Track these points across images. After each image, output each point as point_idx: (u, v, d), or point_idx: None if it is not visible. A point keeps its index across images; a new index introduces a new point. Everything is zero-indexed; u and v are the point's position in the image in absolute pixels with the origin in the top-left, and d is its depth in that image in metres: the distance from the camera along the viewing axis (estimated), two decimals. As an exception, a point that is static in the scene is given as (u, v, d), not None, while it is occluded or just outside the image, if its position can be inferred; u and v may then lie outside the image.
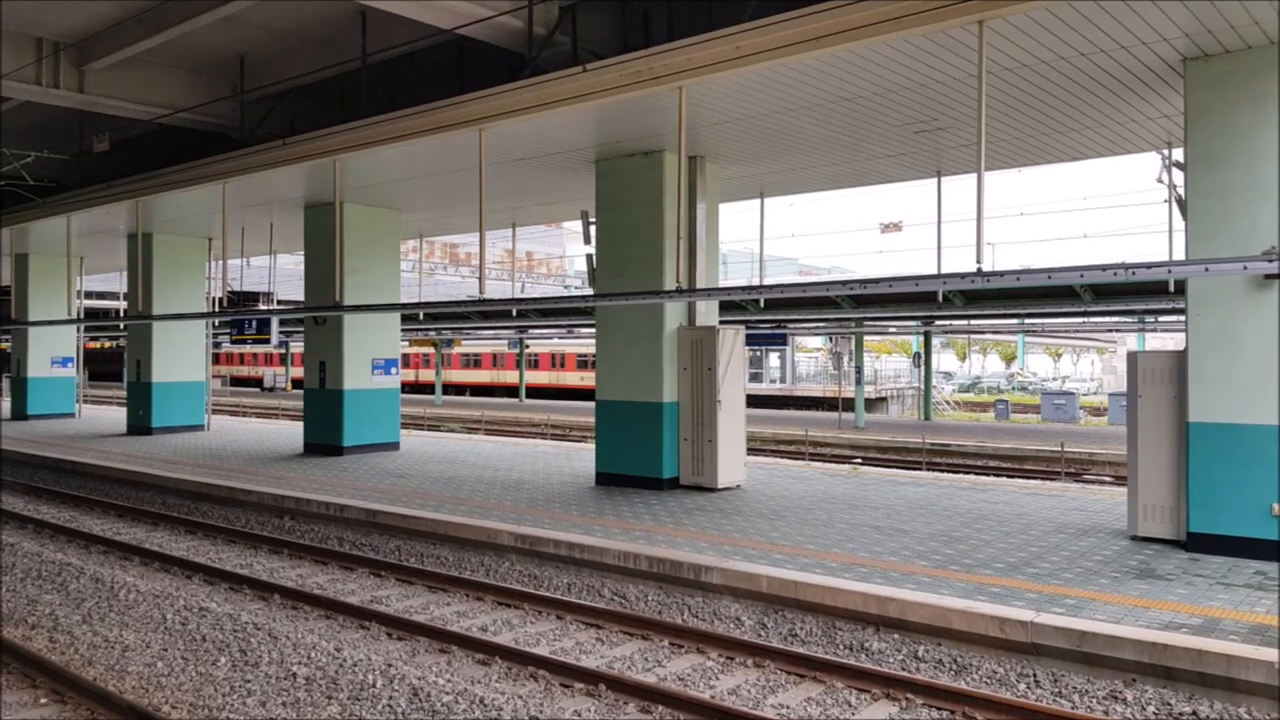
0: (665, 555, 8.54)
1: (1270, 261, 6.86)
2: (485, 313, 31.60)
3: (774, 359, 53.27)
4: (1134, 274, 7.34)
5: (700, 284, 12.65)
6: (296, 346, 47.28)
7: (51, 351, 25.51)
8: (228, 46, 12.94)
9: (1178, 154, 10.88)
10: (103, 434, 21.41)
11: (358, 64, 12.21)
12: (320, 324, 17.14)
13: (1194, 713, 5.63)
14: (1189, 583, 7.50)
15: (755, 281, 28.23)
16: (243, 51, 13.19)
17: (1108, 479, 17.92)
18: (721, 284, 16.68)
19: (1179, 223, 9.69)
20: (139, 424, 21.37)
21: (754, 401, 33.42)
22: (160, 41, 11.84)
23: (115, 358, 54.28)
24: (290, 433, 21.16)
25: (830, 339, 41.90)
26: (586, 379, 42.68)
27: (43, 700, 5.95)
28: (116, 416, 25.92)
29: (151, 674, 6.33)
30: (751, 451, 18.75)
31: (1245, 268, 7.08)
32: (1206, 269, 7.13)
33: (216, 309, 21.14)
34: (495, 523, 10.16)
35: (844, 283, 9.10)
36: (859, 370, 27.89)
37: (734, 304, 24.92)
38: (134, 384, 21.69)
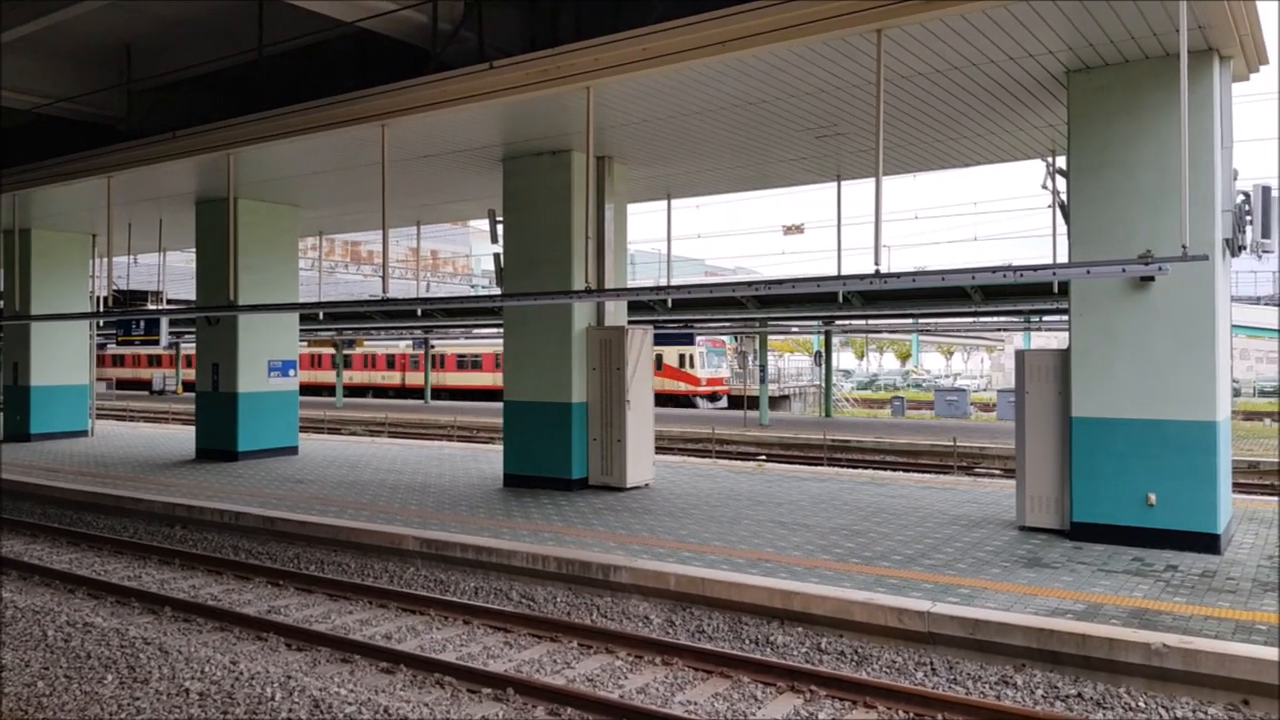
0: (574, 556, 8.53)
1: (1146, 264, 7.27)
2: (389, 312, 30.95)
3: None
4: (1021, 276, 7.70)
5: (609, 284, 12.66)
6: (188, 348, 45.39)
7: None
8: (113, 33, 12.33)
9: (1061, 161, 11.40)
10: (-26, 441, 20.15)
11: (255, 55, 11.79)
12: (213, 324, 16.50)
13: (1079, 694, 5.93)
14: (1073, 570, 7.88)
15: (663, 282, 28.38)
16: (129, 39, 12.59)
17: (997, 472, 18.67)
18: (630, 284, 16.72)
19: (1062, 227, 10.17)
20: (16, 430, 20.22)
21: (661, 401, 33.66)
22: (40, 27, 11.19)
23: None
24: (182, 438, 20.31)
25: (735, 338, 42.58)
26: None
27: (-92, 727, 5.57)
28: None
29: (31, 694, 5.99)
30: (659, 450, 18.88)
31: (1124, 270, 7.48)
32: (1088, 271, 7.51)
33: (101, 309, 20.13)
34: (399, 527, 9.97)
35: (749, 283, 9.26)
36: (763, 369, 28.40)
37: (642, 304, 25.03)
38: (10, 388, 20.50)
